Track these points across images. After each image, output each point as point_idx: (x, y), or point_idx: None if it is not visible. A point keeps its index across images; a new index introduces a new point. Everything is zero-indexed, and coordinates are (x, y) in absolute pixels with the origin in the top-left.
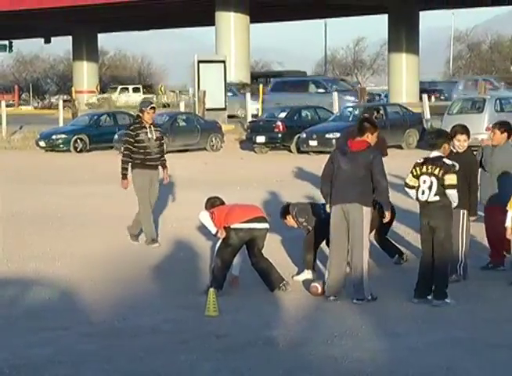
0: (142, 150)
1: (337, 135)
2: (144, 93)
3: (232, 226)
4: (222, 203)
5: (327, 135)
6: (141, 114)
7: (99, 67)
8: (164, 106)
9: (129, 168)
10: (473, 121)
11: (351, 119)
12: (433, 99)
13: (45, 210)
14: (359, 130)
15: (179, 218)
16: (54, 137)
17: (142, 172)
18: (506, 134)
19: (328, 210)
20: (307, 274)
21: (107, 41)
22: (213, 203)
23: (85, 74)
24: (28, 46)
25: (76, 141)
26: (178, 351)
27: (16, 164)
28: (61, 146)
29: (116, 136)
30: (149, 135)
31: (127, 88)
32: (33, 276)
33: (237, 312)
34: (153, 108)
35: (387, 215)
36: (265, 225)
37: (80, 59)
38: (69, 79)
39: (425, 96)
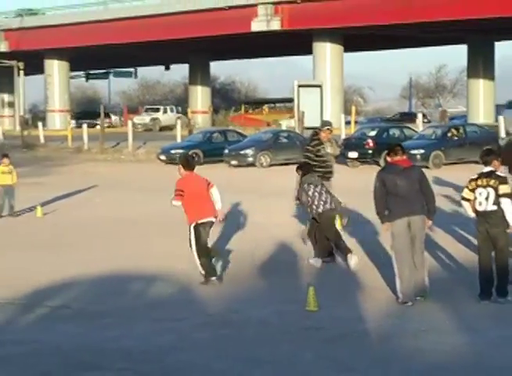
0: (322, 164)
1: (422, 151)
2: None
3: None
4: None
5: (412, 152)
6: (319, 133)
7: (211, 91)
8: (268, 124)
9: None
10: None
11: (433, 137)
12: None
13: (165, 215)
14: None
15: (281, 223)
16: (173, 151)
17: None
18: None
19: (385, 228)
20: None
21: (218, 67)
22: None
23: (199, 97)
24: (151, 73)
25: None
26: (282, 341)
27: (140, 175)
28: (179, 159)
29: (226, 151)
30: (328, 150)
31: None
32: (155, 273)
33: (334, 308)
34: (329, 129)
35: (431, 222)
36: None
37: (195, 83)
38: (185, 101)
39: (501, 118)
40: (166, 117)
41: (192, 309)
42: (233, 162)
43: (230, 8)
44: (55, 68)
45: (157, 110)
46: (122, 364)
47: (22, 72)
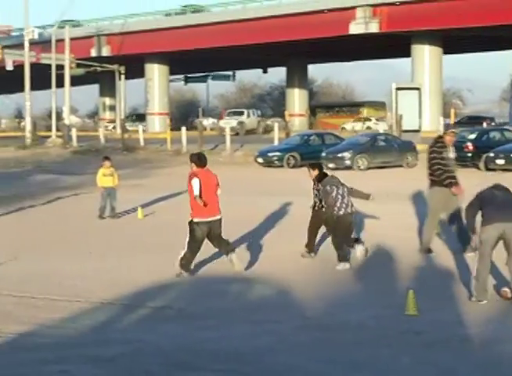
0: (445, 168)
1: None
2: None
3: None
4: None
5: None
6: (443, 136)
7: (309, 94)
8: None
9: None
10: None
11: None
12: None
13: (263, 217)
14: None
15: (380, 226)
16: (270, 154)
17: (441, 190)
18: None
19: (475, 238)
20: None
21: (316, 70)
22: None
23: (296, 100)
24: (248, 76)
25: (289, 158)
26: (381, 345)
27: (238, 177)
28: (276, 162)
29: (323, 154)
30: (450, 155)
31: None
32: (254, 275)
33: (434, 312)
34: (453, 132)
35: None
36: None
37: (292, 86)
38: (282, 104)
39: None
40: (250, 120)
41: (290, 311)
42: (331, 165)
43: (329, 11)
44: (156, 72)
45: (241, 113)
46: (221, 365)
47: (123, 76)
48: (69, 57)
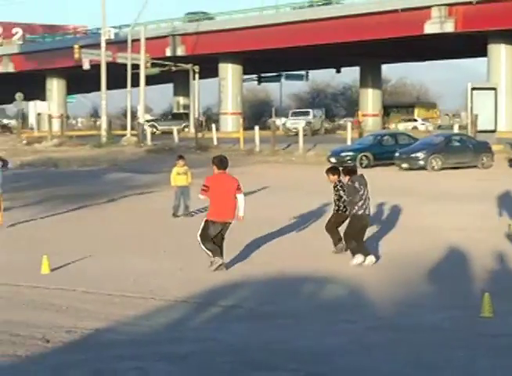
0: None
1: None
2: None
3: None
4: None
5: None
6: None
7: (382, 93)
8: (439, 127)
9: None
10: None
11: None
12: None
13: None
14: None
15: (454, 227)
16: (343, 154)
17: None
18: None
19: None
20: (357, 258)
21: (390, 70)
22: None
23: (370, 100)
24: (321, 75)
25: (362, 158)
26: (456, 347)
27: (310, 177)
28: (349, 162)
29: (397, 154)
30: None
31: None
32: (326, 275)
33: (510, 314)
34: None
35: None
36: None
37: (365, 86)
38: (355, 104)
39: None
40: (315, 121)
41: (364, 311)
42: (404, 165)
43: (403, 10)
44: (229, 71)
45: (307, 113)
46: (294, 365)
47: (197, 75)
48: (144, 57)
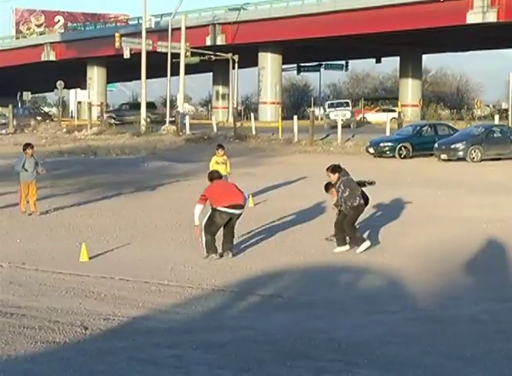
0: None
1: None
2: None
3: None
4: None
5: None
6: None
7: (422, 84)
8: (480, 118)
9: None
10: None
11: None
12: None
13: (375, 206)
14: None
15: (492, 219)
16: (382, 145)
17: None
18: None
19: None
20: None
21: (430, 60)
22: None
23: (410, 90)
24: (361, 65)
25: (400, 148)
26: (495, 340)
27: (349, 167)
28: (387, 152)
29: (436, 145)
30: None
31: None
32: (364, 265)
33: None
34: None
35: None
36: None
37: (405, 76)
38: (395, 94)
39: None
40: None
41: (402, 302)
42: (443, 156)
43: (445, 0)
44: (269, 61)
45: (346, 104)
46: (332, 355)
47: (236, 65)
48: (184, 46)
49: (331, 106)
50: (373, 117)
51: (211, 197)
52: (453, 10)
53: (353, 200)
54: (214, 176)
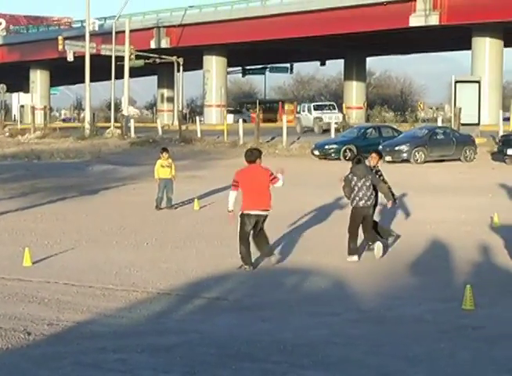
0: None
1: None
2: None
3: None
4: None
5: None
6: None
7: (366, 86)
8: (424, 121)
9: None
10: None
11: None
12: None
13: (317, 210)
14: None
15: (436, 220)
16: (327, 147)
17: None
18: None
19: None
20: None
21: (374, 63)
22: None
23: (354, 92)
24: (306, 68)
25: (345, 150)
26: (438, 339)
27: (294, 170)
28: (332, 154)
29: (380, 147)
30: None
31: None
32: (309, 267)
33: (492, 307)
34: None
35: None
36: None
37: (350, 79)
38: (340, 96)
39: None
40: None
41: (347, 304)
42: (387, 158)
43: (388, 3)
44: (214, 64)
45: (332, 107)
46: (277, 357)
47: (181, 68)
48: (128, 49)
49: (318, 108)
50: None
51: (241, 186)
52: (396, 14)
53: (370, 194)
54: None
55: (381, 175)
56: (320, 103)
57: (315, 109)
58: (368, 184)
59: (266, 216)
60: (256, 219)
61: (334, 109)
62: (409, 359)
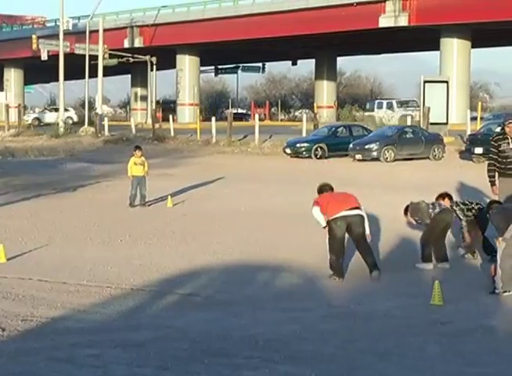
0: (503, 160)
1: None
2: None
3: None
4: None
5: None
6: (505, 127)
7: (337, 86)
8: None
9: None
10: None
11: None
12: None
13: (291, 207)
14: None
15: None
16: (298, 145)
17: (503, 180)
18: None
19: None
20: (426, 266)
21: (345, 62)
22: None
23: (325, 92)
24: (278, 67)
25: (316, 149)
26: (407, 334)
27: (266, 167)
28: (304, 153)
29: (351, 145)
30: (511, 146)
31: None
32: (282, 263)
33: (459, 302)
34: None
35: None
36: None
37: (321, 78)
38: (311, 96)
39: None
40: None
41: (317, 300)
42: (358, 156)
43: (358, 4)
44: (187, 63)
45: (414, 103)
46: (249, 352)
47: (155, 67)
48: (102, 48)
49: (402, 105)
50: None
51: (322, 206)
52: (366, 14)
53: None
54: (324, 189)
55: None
56: (402, 100)
57: (398, 106)
58: None
59: (359, 216)
60: (346, 221)
61: (418, 106)
62: (379, 353)
